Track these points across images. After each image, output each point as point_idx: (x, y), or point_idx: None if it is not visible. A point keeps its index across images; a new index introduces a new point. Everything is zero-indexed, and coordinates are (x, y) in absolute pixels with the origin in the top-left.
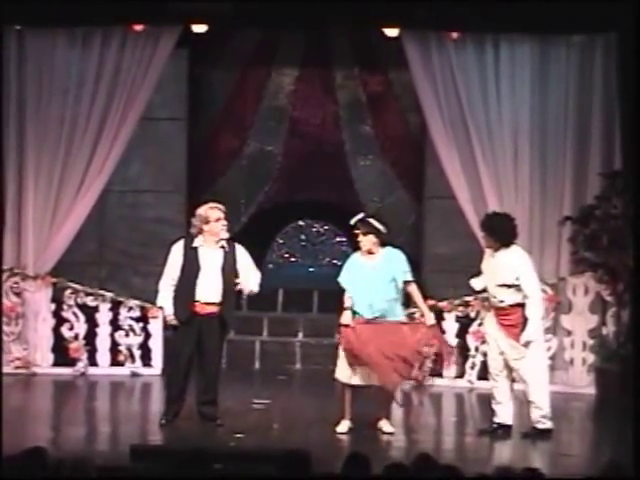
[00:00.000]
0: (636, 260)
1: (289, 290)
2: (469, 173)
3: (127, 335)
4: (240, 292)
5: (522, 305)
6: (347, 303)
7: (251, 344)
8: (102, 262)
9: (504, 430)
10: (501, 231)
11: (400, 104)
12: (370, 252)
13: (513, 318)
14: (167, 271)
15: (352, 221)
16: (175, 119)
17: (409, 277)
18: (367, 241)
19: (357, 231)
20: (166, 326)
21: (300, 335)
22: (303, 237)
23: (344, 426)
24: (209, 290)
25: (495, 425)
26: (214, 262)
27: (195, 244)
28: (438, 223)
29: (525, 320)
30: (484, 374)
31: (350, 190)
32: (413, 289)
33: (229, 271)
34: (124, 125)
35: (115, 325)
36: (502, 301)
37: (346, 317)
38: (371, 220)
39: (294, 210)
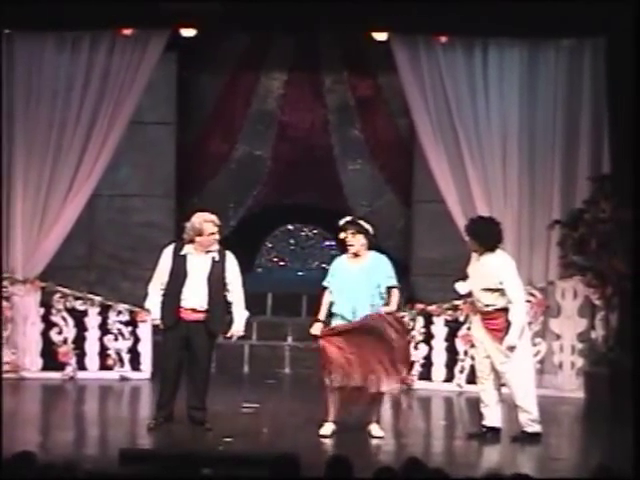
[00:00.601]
0: (634, 265)
1: (278, 294)
2: (458, 177)
3: (116, 339)
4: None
5: (507, 310)
6: (321, 313)
7: (240, 348)
8: (91, 266)
9: (493, 433)
10: (485, 235)
11: (389, 108)
12: (357, 255)
13: (498, 322)
14: (157, 275)
15: (341, 222)
16: (164, 123)
17: (394, 282)
18: (356, 242)
19: (345, 233)
20: (155, 330)
21: (289, 339)
22: (292, 241)
23: (327, 429)
24: (194, 297)
25: (484, 429)
26: (201, 270)
27: (184, 251)
28: (427, 227)
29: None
30: (473, 378)
31: (339, 194)
32: (394, 294)
33: (216, 280)
34: (113, 129)
35: (104, 329)
36: (487, 305)
37: (316, 328)
38: (361, 221)
39: (283, 214)
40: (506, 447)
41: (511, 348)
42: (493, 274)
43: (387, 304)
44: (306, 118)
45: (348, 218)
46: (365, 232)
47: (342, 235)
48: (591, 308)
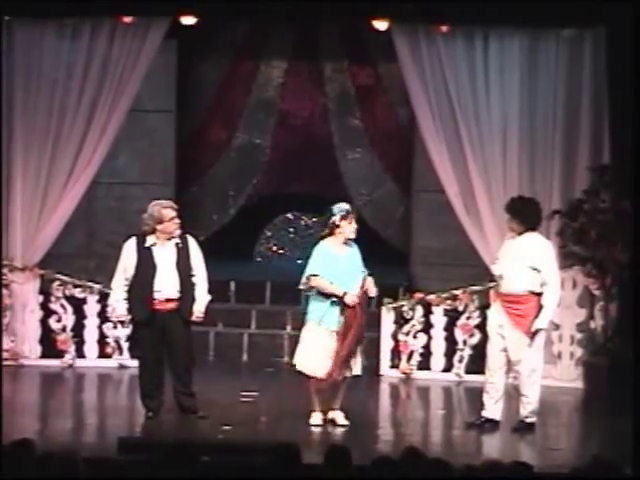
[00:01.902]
0: (634, 255)
1: (277, 283)
2: (458, 166)
3: (115, 327)
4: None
5: (536, 295)
6: (337, 289)
7: (239, 337)
8: (90, 254)
9: (492, 425)
10: (527, 215)
11: (389, 97)
12: (347, 241)
13: (524, 308)
14: (120, 270)
15: (342, 207)
16: (164, 111)
17: (364, 270)
18: (354, 229)
19: (344, 219)
20: (123, 325)
21: (288, 328)
22: (291, 230)
23: (317, 418)
24: (167, 287)
25: (482, 419)
26: (169, 259)
27: (148, 243)
28: (426, 216)
29: (535, 313)
30: (472, 367)
31: (338, 183)
32: (370, 281)
33: (184, 266)
34: (112, 117)
35: (103, 317)
36: (517, 288)
37: (351, 296)
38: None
39: (282, 202)
40: (505, 437)
41: (535, 333)
42: (532, 255)
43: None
44: (306, 106)
45: (347, 205)
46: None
47: (339, 220)
48: (590, 298)
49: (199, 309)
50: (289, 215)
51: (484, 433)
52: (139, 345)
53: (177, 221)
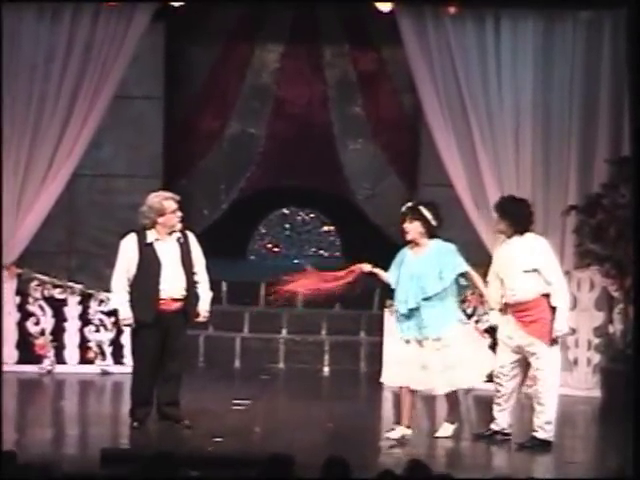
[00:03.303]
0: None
1: (272, 283)
2: (467, 159)
3: (97, 330)
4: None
5: (544, 297)
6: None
7: (231, 341)
8: (71, 252)
9: (502, 437)
10: (516, 216)
11: (393, 84)
12: (416, 243)
13: (534, 312)
14: (121, 270)
15: (403, 209)
16: (151, 98)
17: (463, 268)
18: (413, 230)
19: (404, 218)
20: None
21: (284, 331)
22: (288, 226)
23: (397, 432)
24: (174, 286)
25: (490, 431)
26: (173, 256)
27: (149, 239)
28: None
29: (548, 315)
30: None
31: (339, 176)
32: (472, 277)
33: (188, 262)
34: (96, 104)
35: (85, 320)
36: (519, 295)
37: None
38: (420, 207)
39: (278, 197)
40: (517, 451)
41: (556, 339)
42: (528, 256)
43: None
44: (304, 94)
45: (409, 204)
46: (423, 219)
47: (402, 222)
48: (609, 300)
49: (205, 309)
50: (285, 210)
51: (494, 445)
52: (138, 349)
53: (179, 214)
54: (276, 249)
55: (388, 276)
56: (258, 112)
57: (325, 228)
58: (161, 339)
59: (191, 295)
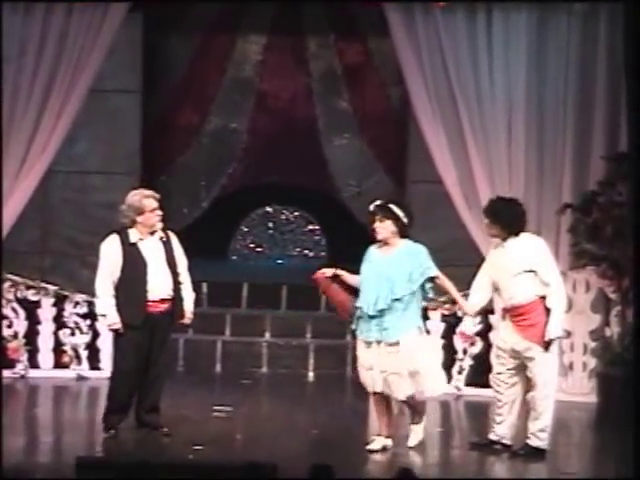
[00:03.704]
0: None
1: (255, 284)
2: (457, 154)
3: (73, 334)
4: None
5: (542, 299)
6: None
7: (212, 344)
8: (45, 251)
9: (503, 447)
10: (509, 218)
11: (380, 76)
12: (386, 243)
13: (532, 316)
14: (106, 272)
15: (370, 207)
16: (128, 91)
17: (433, 272)
18: (384, 229)
19: (372, 219)
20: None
21: (267, 335)
22: (271, 225)
23: (377, 443)
24: (160, 286)
25: (488, 441)
26: (158, 256)
27: (133, 239)
28: (422, 210)
29: (545, 317)
30: (472, 380)
31: (324, 172)
32: (443, 282)
33: (173, 262)
34: (71, 98)
35: (59, 322)
36: (516, 298)
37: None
38: (391, 206)
39: (261, 194)
40: (509, 459)
41: (550, 342)
42: (524, 257)
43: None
44: (287, 87)
45: (377, 202)
46: (395, 218)
47: (371, 221)
48: (605, 302)
49: (189, 310)
50: (268, 208)
51: (488, 454)
52: (122, 352)
53: (159, 212)
54: (259, 249)
55: (358, 278)
56: (240, 106)
57: (310, 227)
58: (145, 342)
59: (178, 295)
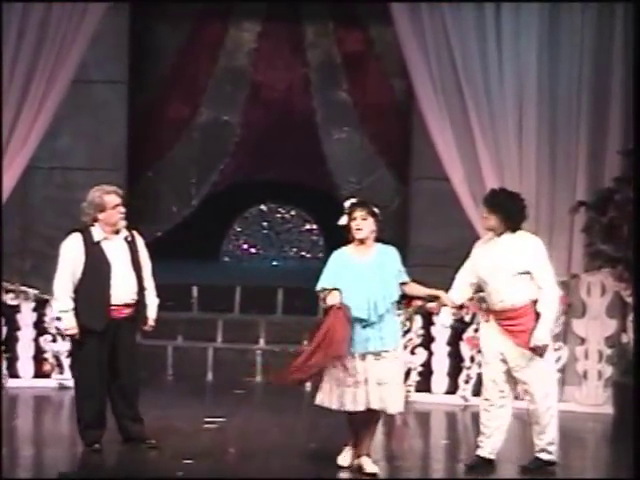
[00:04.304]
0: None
1: (248, 287)
2: (465, 149)
3: (54, 340)
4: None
5: (534, 303)
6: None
7: (203, 352)
8: (25, 253)
9: (487, 465)
10: (509, 211)
11: (382, 66)
12: (362, 243)
13: (524, 321)
14: (65, 273)
15: (346, 204)
16: (114, 82)
17: (405, 278)
18: (367, 227)
19: (352, 216)
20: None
21: (261, 341)
22: (266, 224)
23: (345, 458)
24: (125, 290)
25: (478, 458)
26: (122, 256)
27: (96, 238)
28: (427, 208)
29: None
30: (481, 389)
31: (322, 168)
32: (412, 288)
33: (138, 264)
34: (52, 89)
35: (40, 328)
36: (508, 301)
37: (334, 297)
38: (369, 204)
39: (255, 192)
40: (520, 474)
41: (541, 348)
42: (521, 256)
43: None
44: (283, 77)
45: (354, 200)
46: (376, 216)
47: (345, 220)
48: (622, 306)
49: (152, 316)
50: (263, 207)
51: (481, 475)
52: (84, 362)
53: (122, 210)
54: (253, 250)
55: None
56: (232, 98)
57: (307, 227)
58: (108, 350)
59: (141, 300)
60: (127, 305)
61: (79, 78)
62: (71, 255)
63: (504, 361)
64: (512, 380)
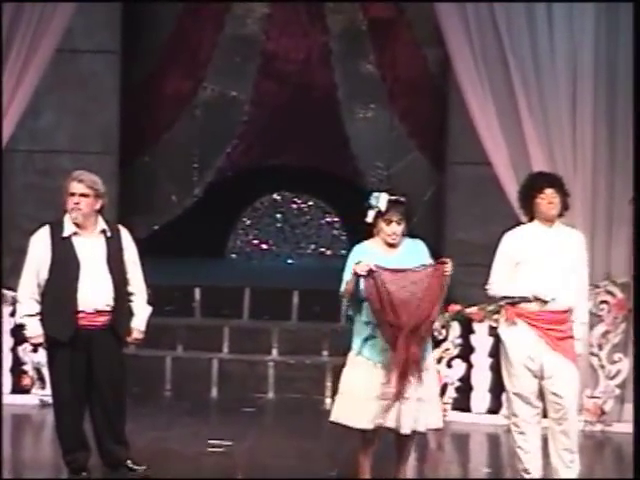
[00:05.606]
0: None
1: (259, 289)
2: (509, 130)
3: (35, 350)
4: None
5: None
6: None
7: (206, 363)
8: (3, 248)
9: None
10: (565, 195)
11: (414, 35)
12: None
13: (567, 328)
14: (29, 273)
15: (381, 199)
16: (104, 52)
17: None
18: (401, 231)
19: (385, 217)
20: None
21: (274, 352)
22: (279, 216)
23: None
24: (96, 294)
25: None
26: (96, 254)
27: (66, 232)
28: (465, 198)
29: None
30: None
31: (344, 152)
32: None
33: (117, 265)
34: (33, 60)
35: (18, 336)
36: (563, 302)
37: (362, 266)
38: (403, 200)
39: (267, 179)
40: None
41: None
42: (570, 252)
43: None
44: (300, 47)
45: (390, 196)
46: (409, 218)
47: (374, 216)
48: None
49: (139, 327)
50: (276, 196)
51: None
52: (56, 377)
53: (76, 200)
54: (264, 246)
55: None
56: (241, 70)
57: (327, 219)
58: (82, 364)
59: (122, 307)
60: (100, 312)
61: (64, 47)
62: (36, 252)
63: (534, 371)
64: (541, 394)
